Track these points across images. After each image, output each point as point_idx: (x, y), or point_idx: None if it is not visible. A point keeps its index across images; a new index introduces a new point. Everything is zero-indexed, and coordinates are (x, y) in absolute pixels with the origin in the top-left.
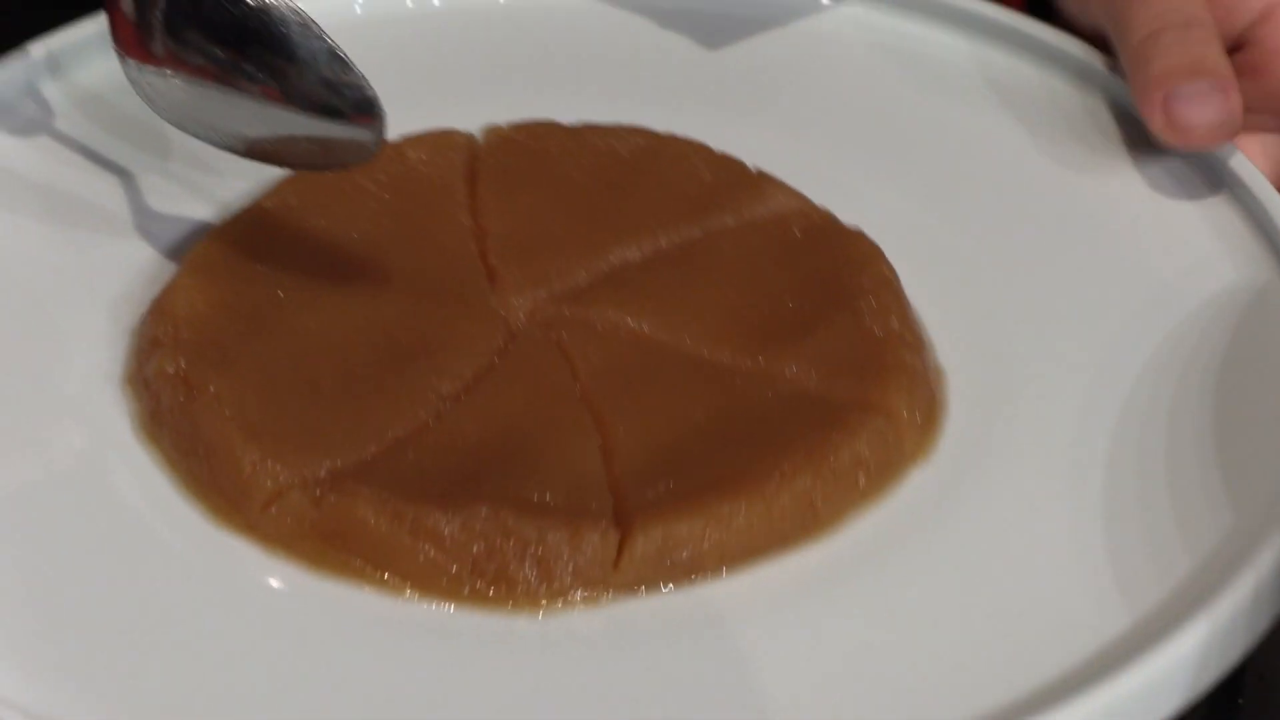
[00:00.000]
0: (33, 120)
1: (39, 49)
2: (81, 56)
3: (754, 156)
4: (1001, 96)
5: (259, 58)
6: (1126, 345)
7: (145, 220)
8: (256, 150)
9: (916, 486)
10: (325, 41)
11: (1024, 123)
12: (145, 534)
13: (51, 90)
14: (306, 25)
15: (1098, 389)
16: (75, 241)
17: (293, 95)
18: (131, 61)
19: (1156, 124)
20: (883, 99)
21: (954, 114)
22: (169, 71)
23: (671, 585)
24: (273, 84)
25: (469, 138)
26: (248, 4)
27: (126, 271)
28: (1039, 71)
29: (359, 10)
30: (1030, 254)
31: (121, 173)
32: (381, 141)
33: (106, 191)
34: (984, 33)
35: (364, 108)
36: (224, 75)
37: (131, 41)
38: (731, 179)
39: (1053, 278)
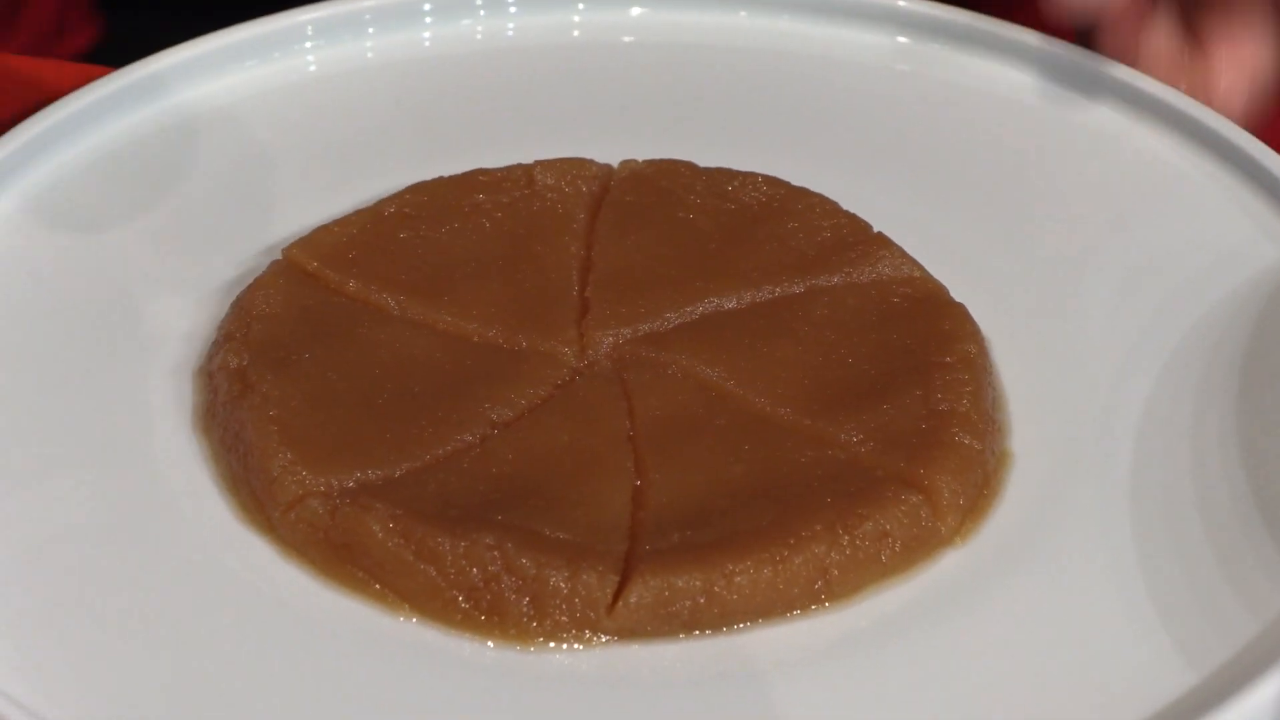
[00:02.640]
0: (157, 116)
1: (169, 56)
2: (209, 65)
3: (893, 220)
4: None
5: None
6: (1203, 418)
7: (261, 214)
8: None
9: (947, 568)
10: None
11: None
12: (168, 523)
13: (183, 94)
14: None
15: (1159, 481)
16: (188, 231)
17: None
18: None
19: None
20: (1033, 167)
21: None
22: None
23: (669, 637)
24: None
25: (605, 169)
26: None
27: (232, 265)
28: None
29: (427, 45)
30: (1139, 338)
31: (244, 166)
32: None
33: (228, 183)
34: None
35: None
36: None
37: None
38: (850, 239)
39: (1148, 359)
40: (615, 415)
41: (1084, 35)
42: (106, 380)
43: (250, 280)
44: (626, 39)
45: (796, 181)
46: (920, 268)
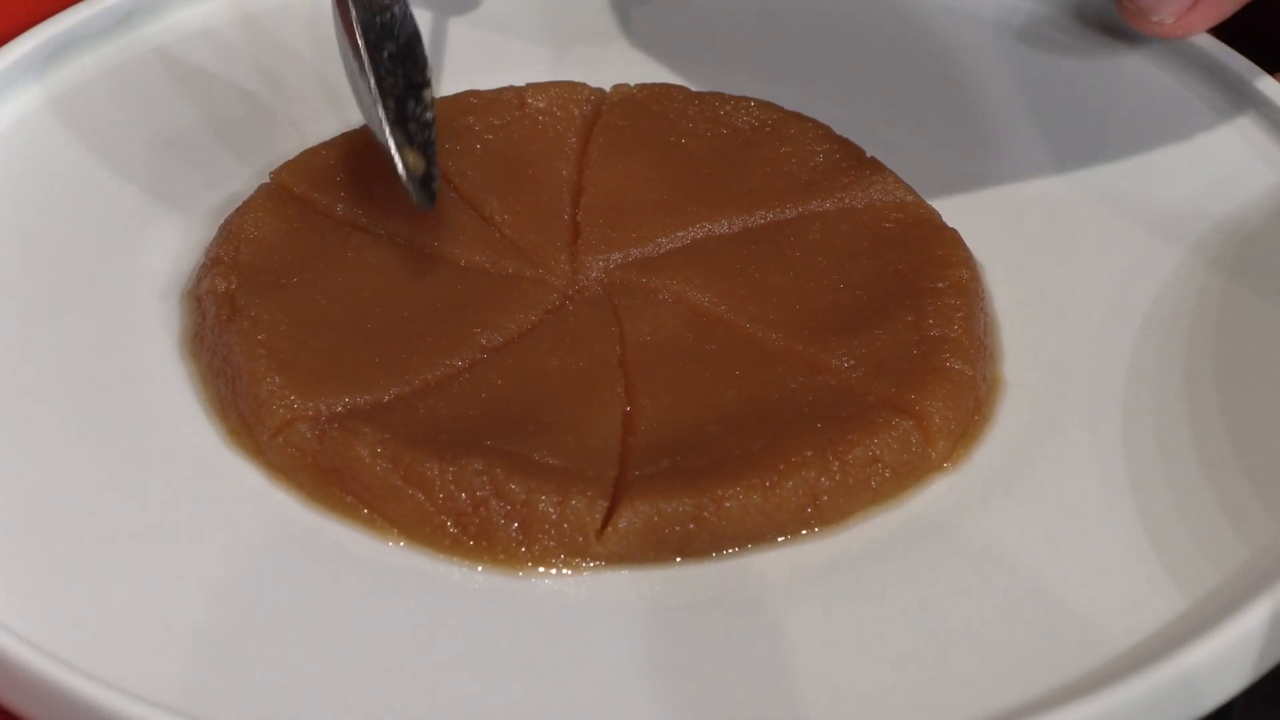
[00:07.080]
0: (143, 40)
1: None
2: None
3: (886, 145)
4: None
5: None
6: (1197, 343)
7: (249, 137)
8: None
9: (937, 494)
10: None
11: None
12: (157, 447)
13: (170, 17)
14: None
15: (1151, 407)
16: (175, 155)
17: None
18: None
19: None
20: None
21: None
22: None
23: (658, 562)
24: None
25: (597, 93)
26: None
27: (220, 188)
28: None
29: None
30: (1133, 263)
31: (232, 89)
32: (431, 199)
33: (216, 107)
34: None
35: (425, 146)
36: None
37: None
38: (842, 164)
39: (1142, 284)
40: (606, 340)
41: None
42: (94, 303)
43: (238, 204)
44: None
45: (790, 106)
46: (913, 193)
